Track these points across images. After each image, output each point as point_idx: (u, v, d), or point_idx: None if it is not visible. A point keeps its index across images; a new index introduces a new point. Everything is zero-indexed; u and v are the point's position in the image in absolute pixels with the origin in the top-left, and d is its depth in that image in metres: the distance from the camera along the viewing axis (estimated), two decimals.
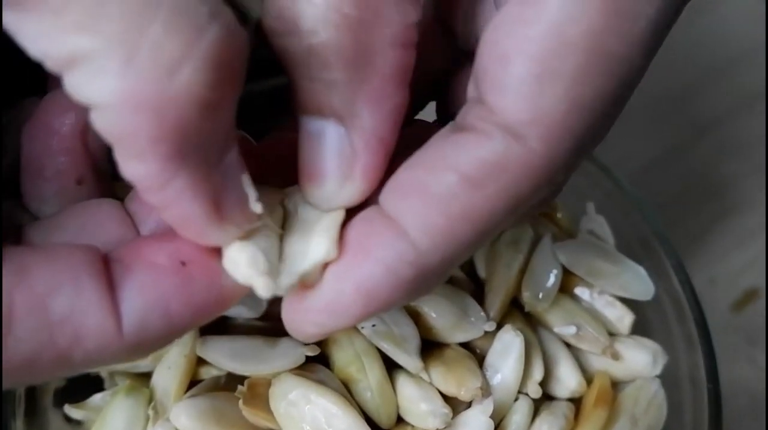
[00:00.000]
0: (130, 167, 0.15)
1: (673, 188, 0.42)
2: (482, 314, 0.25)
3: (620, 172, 0.30)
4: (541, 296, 0.26)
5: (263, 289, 0.17)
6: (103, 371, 0.26)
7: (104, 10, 0.13)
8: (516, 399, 0.24)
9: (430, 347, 0.25)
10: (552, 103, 0.16)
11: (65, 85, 0.14)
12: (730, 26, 0.47)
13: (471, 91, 0.18)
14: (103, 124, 0.14)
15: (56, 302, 0.15)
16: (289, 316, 0.18)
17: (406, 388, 0.24)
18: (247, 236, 0.17)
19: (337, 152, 0.18)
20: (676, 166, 0.42)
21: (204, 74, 0.14)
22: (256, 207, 0.17)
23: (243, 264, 0.17)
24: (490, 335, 0.25)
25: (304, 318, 0.18)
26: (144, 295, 0.16)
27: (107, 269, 0.16)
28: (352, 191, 0.18)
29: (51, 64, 0.14)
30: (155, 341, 0.16)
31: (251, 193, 0.17)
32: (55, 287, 0.15)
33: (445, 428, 0.23)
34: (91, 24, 0.13)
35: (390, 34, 0.17)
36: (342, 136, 0.18)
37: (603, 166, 0.29)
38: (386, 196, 0.17)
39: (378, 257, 0.17)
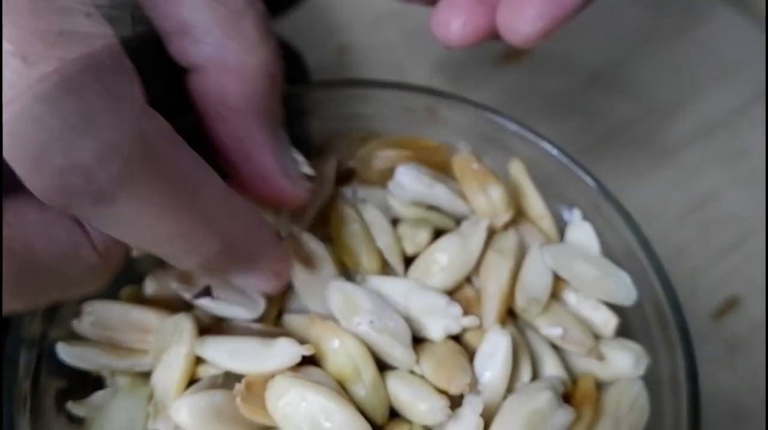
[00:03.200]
0: None
1: (657, 200, 0.42)
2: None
3: (605, 183, 0.30)
4: (533, 302, 0.27)
5: None
6: (105, 371, 0.26)
7: None
8: (504, 398, 0.25)
9: (421, 342, 0.26)
10: None
11: None
12: (716, 41, 0.48)
13: None
14: None
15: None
16: None
17: (400, 391, 0.24)
18: None
19: None
20: (660, 178, 0.43)
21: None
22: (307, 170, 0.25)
23: None
24: (480, 333, 0.26)
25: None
26: None
27: None
28: None
29: None
30: None
31: (300, 159, 0.25)
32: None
33: (435, 426, 0.24)
34: None
35: None
36: None
37: (589, 175, 0.30)
38: None
39: None
